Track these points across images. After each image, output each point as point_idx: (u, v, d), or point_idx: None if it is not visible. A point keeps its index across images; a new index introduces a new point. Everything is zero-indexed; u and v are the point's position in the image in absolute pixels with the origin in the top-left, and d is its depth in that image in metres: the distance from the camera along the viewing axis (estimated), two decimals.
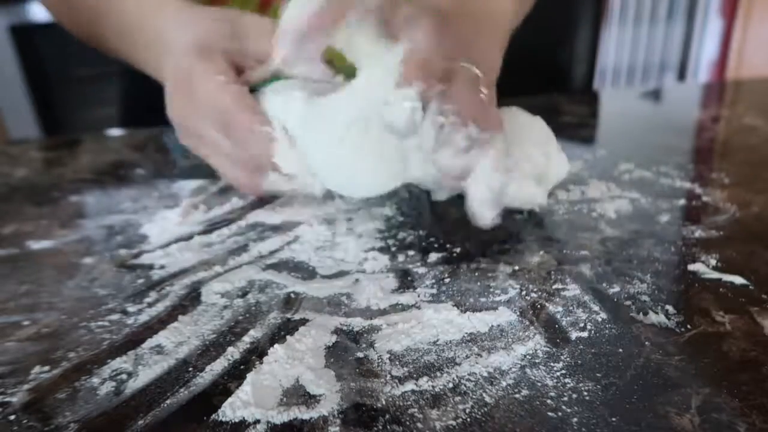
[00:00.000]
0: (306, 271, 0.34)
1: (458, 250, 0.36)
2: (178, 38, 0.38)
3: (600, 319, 0.28)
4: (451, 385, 0.24)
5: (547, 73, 0.87)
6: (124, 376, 0.26)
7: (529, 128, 0.39)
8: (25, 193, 0.49)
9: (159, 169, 0.52)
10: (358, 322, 0.29)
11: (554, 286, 0.31)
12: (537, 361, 0.25)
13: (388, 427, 0.22)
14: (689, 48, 2.25)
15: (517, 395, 0.23)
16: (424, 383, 0.24)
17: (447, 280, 0.32)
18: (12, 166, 0.56)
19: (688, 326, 0.27)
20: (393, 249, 0.36)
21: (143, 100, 0.76)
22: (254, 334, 0.28)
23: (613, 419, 0.22)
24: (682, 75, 2.29)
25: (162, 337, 0.28)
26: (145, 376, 0.25)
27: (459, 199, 0.43)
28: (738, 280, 0.31)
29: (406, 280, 0.32)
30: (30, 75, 1.85)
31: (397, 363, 0.26)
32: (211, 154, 0.38)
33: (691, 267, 0.32)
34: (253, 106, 0.35)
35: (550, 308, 0.29)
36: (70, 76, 1.90)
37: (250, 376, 0.25)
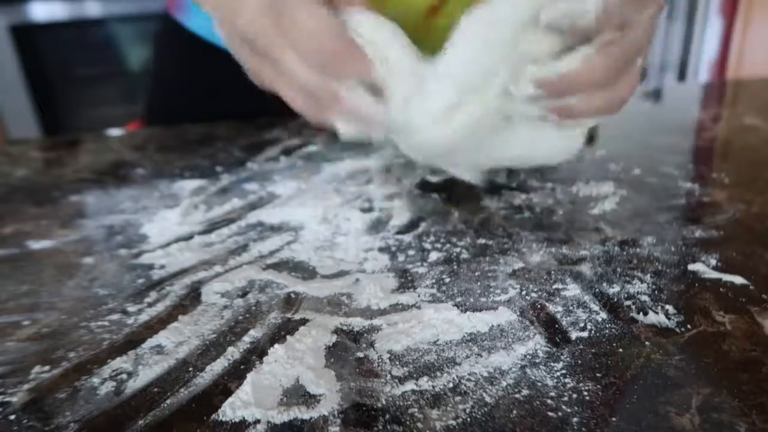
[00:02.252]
0: (306, 271, 0.34)
1: (458, 250, 0.36)
2: None
3: (600, 319, 0.28)
4: (451, 385, 0.24)
5: None
6: (124, 376, 0.26)
7: None
8: (25, 193, 0.49)
9: (159, 169, 0.52)
10: (358, 322, 0.29)
11: (554, 286, 0.31)
12: (537, 361, 0.25)
13: (388, 427, 0.22)
14: (689, 48, 2.25)
15: (517, 395, 0.23)
16: (424, 383, 0.24)
17: (447, 280, 0.32)
18: (12, 166, 0.56)
19: (688, 326, 0.27)
20: (393, 249, 0.36)
21: (169, 99, 0.74)
22: (254, 334, 0.28)
23: (613, 419, 0.22)
24: (682, 75, 2.29)
25: (162, 337, 0.28)
26: (145, 376, 0.25)
27: (460, 200, 0.43)
28: (738, 280, 0.31)
29: (406, 280, 0.32)
30: (30, 75, 1.85)
31: (397, 363, 0.26)
32: (281, 81, 0.36)
33: (691, 267, 0.32)
34: (353, 43, 0.33)
35: (550, 308, 0.29)
36: (70, 76, 1.90)
37: (250, 376, 0.25)
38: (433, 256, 0.35)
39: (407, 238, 0.38)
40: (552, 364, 0.25)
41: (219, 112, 0.68)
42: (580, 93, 0.32)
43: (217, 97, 0.69)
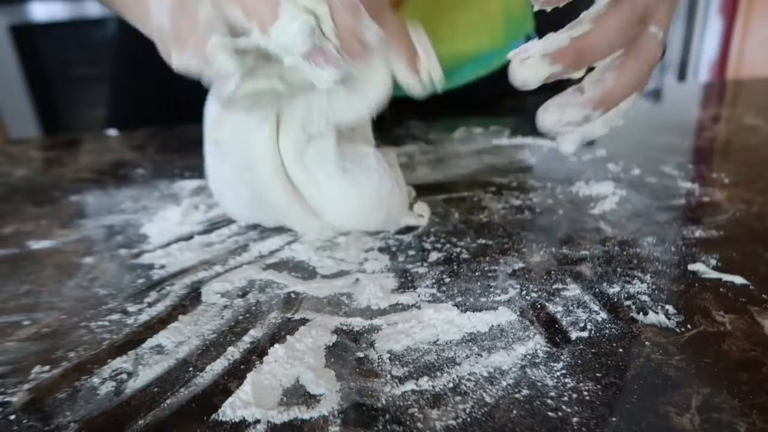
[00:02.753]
0: (306, 271, 0.34)
1: (458, 250, 0.36)
2: None
3: (600, 319, 0.28)
4: (451, 384, 0.24)
5: None
6: (124, 376, 0.26)
7: None
8: (25, 193, 0.49)
9: (159, 169, 0.52)
10: (358, 322, 0.29)
11: (554, 286, 0.31)
12: (537, 361, 0.25)
13: (388, 427, 0.22)
14: (689, 48, 2.25)
15: (517, 395, 0.23)
16: (424, 383, 0.24)
17: (447, 280, 0.32)
18: (12, 166, 0.56)
19: (688, 326, 0.27)
20: (393, 249, 0.36)
21: (134, 101, 0.73)
22: (254, 333, 0.28)
23: (613, 419, 0.22)
24: (682, 75, 2.29)
25: (162, 337, 0.28)
26: (145, 376, 0.25)
27: (460, 201, 0.43)
28: (738, 280, 0.31)
29: (406, 280, 0.32)
30: (30, 75, 1.85)
31: (397, 363, 0.26)
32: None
33: (691, 267, 0.32)
34: None
35: (550, 308, 0.29)
36: (70, 76, 1.90)
37: (250, 376, 0.25)
38: (433, 256, 0.35)
39: (407, 238, 0.38)
40: (552, 364, 0.25)
41: (179, 116, 0.66)
42: (599, 58, 0.31)
43: (179, 102, 0.67)
